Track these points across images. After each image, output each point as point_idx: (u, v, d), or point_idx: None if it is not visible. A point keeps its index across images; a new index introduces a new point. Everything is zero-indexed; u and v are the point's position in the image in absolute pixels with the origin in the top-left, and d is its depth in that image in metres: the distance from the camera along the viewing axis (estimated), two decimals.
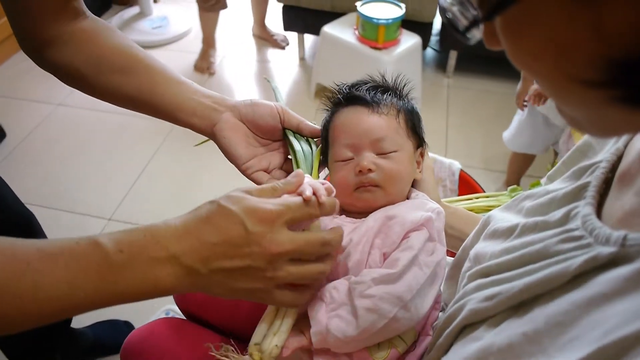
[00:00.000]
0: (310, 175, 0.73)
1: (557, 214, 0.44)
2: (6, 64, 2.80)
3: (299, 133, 0.77)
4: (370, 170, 0.68)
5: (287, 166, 0.79)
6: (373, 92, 0.74)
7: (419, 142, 0.76)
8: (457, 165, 1.54)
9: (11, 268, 0.44)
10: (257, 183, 0.74)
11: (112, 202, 2.08)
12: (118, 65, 0.75)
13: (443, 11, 0.35)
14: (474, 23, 0.33)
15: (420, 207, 0.67)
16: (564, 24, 0.28)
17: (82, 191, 2.13)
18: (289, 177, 0.60)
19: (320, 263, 0.56)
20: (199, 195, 2.04)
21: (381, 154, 0.70)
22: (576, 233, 0.40)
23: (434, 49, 2.98)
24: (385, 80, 0.78)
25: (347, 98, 0.75)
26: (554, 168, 0.60)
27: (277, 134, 0.78)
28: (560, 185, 0.49)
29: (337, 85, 0.78)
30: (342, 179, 0.70)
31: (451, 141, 2.39)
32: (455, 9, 0.34)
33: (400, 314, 0.59)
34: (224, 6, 2.66)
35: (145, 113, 0.77)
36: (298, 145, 0.75)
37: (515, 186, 1.33)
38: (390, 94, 0.74)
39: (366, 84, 0.76)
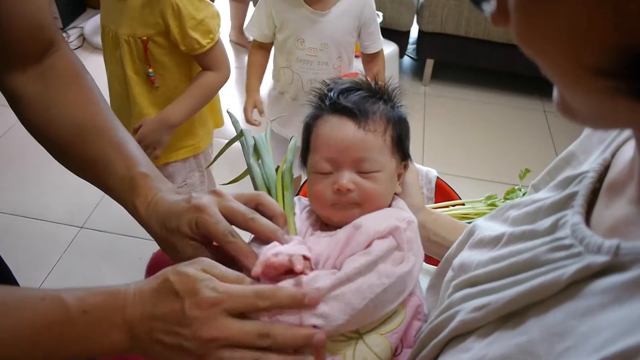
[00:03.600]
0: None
1: (545, 222, 0.44)
2: None
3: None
4: (349, 190, 0.66)
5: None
6: (363, 102, 0.69)
7: (404, 156, 0.74)
8: (434, 172, 1.54)
9: None
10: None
11: (85, 210, 2.03)
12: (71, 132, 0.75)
13: None
14: None
15: (390, 216, 0.66)
16: (585, 7, 0.28)
17: (53, 199, 2.08)
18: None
19: (257, 352, 0.54)
20: None
21: (362, 172, 0.67)
22: (566, 242, 0.40)
23: (411, 57, 3.02)
24: (377, 85, 0.73)
25: (335, 106, 0.70)
26: (538, 177, 0.60)
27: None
28: (546, 195, 0.49)
29: (327, 84, 0.73)
30: (319, 193, 0.68)
31: (428, 149, 2.41)
32: None
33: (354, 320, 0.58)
34: None
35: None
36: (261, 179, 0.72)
37: (490, 194, 1.34)
38: (381, 103, 0.71)
39: (357, 90, 0.71)
